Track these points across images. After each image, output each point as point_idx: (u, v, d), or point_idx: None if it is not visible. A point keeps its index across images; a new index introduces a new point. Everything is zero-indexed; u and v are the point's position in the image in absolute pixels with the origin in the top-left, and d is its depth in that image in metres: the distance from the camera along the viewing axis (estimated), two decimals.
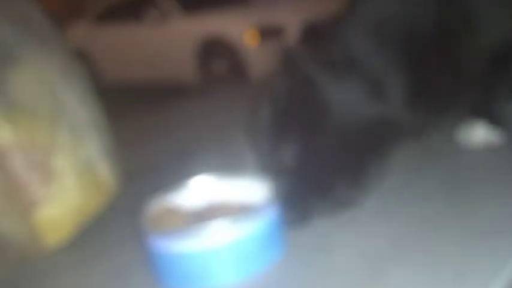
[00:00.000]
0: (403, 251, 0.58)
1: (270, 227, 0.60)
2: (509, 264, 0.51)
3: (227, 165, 0.77)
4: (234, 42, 3.78)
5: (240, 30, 3.75)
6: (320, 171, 0.74)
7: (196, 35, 3.97)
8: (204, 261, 0.56)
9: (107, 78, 4.80)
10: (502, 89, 0.92)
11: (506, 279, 0.49)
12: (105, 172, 0.78)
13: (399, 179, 0.80)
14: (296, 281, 0.56)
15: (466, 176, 0.79)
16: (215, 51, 3.93)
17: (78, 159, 0.74)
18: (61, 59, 0.79)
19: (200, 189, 0.69)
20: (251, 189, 0.67)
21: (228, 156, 0.95)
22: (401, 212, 0.68)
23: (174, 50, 4.16)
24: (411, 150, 0.92)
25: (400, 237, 0.61)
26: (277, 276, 0.57)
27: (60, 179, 0.71)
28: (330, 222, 0.69)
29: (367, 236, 0.64)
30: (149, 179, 0.75)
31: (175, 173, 0.73)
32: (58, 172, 0.71)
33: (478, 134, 0.90)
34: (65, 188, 0.71)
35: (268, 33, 3.71)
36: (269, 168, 0.75)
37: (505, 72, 0.91)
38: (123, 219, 0.73)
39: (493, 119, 0.90)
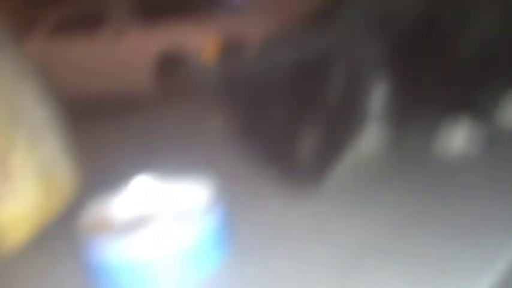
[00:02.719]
0: (384, 249, 0.57)
1: (212, 229, 0.59)
2: (491, 262, 0.51)
3: (176, 170, 0.75)
4: (193, 55, 3.78)
5: (199, 43, 3.75)
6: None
7: (154, 48, 3.95)
8: (145, 268, 0.55)
9: (64, 93, 4.70)
10: (485, 92, 0.93)
11: (489, 277, 0.49)
12: (63, 174, 0.77)
13: (380, 179, 0.81)
14: (251, 281, 0.55)
15: (447, 177, 0.79)
16: (174, 65, 3.91)
17: (35, 159, 0.73)
18: (15, 62, 0.78)
19: (138, 194, 0.67)
20: (191, 193, 0.65)
21: (181, 161, 0.95)
22: (381, 211, 0.68)
23: (132, 63, 4.12)
24: (392, 151, 0.92)
25: (380, 236, 0.61)
26: (228, 278, 0.57)
27: (18, 179, 0.70)
28: (302, 219, 0.69)
29: (345, 234, 0.63)
30: (107, 182, 0.74)
31: (132, 177, 0.72)
32: (16, 173, 0.70)
33: (458, 138, 0.90)
34: (23, 188, 0.70)
35: (228, 46, 3.71)
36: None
37: (490, 71, 0.92)
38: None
39: (474, 122, 0.90)
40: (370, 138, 0.93)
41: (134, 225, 0.63)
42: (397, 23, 0.88)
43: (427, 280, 0.51)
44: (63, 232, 0.71)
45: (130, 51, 4.17)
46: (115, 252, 0.55)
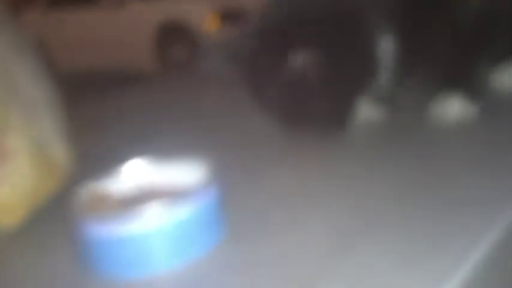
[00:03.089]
0: (372, 226, 0.56)
1: (207, 209, 0.58)
2: (484, 238, 0.50)
3: (174, 148, 0.75)
4: (194, 27, 3.74)
5: (199, 14, 3.70)
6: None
7: (155, 19, 3.91)
8: (139, 246, 0.55)
9: (62, 66, 4.68)
10: (480, 60, 0.91)
11: (481, 253, 0.49)
12: (59, 153, 0.76)
13: (369, 151, 0.79)
14: (242, 263, 0.54)
15: (439, 150, 0.76)
16: (174, 37, 3.88)
17: (31, 139, 0.72)
18: (11, 37, 0.76)
19: (133, 174, 0.66)
20: (186, 172, 0.64)
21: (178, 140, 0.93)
22: (371, 186, 0.66)
23: (132, 35, 4.09)
24: (382, 123, 0.90)
25: (369, 212, 0.60)
26: (220, 260, 0.56)
27: (13, 159, 0.69)
28: (289, 195, 0.68)
29: (332, 210, 0.62)
30: (105, 162, 0.73)
31: (129, 157, 0.71)
32: (11, 152, 0.69)
33: (453, 107, 0.88)
34: (19, 169, 0.69)
35: (229, 17, 3.69)
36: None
37: (483, 44, 0.90)
38: None
39: (469, 91, 0.88)
40: (370, 101, 0.93)
41: (129, 203, 0.62)
42: None
43: (421, 251, 0.50)
44: (59, 212, 0.70)
45: (131, 23, 4.13)
46: (109, 229, 0.55)
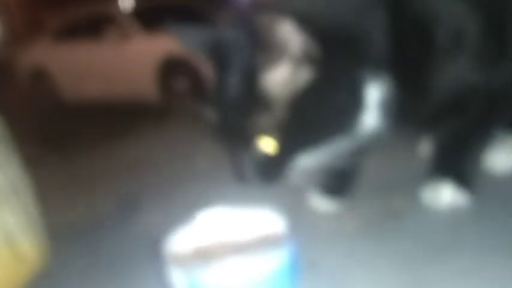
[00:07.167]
0: None
1: (287, 260, 0.57)
2: None
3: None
4: (196, 60, 3.73)
5: None
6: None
7: (158, 53, 3.90)
8: None
9: (65, 97, 4.69)
10: (471, 147, 0.86)
11: None
12: (26, 243, 0.72)
13: (359, 238, 0.77)
14: None
15: (430, 240, 0.74)
16: (177, 70, 3.87)
17: None
18: None
19: (214, 223, 0.65)
20: (261, 223, 0.63)
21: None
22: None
23: (135, 68, 4.08)
24: (373, 209, 0.88)
25: None
26: None
27: None
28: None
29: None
30: (81, 242, 0.69)
31: (111, 239, 0.68)
32: None
33: (444, 194, 0.84)
34: None
35: None
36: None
37: (477, 128, 0.85)
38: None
39: (460, 179, 0.84)
40: None
41: (211, 255, 0.61)
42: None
43: None
44: None
45: (134, 56, 4.13)
46: (193, 283, 0.55)
